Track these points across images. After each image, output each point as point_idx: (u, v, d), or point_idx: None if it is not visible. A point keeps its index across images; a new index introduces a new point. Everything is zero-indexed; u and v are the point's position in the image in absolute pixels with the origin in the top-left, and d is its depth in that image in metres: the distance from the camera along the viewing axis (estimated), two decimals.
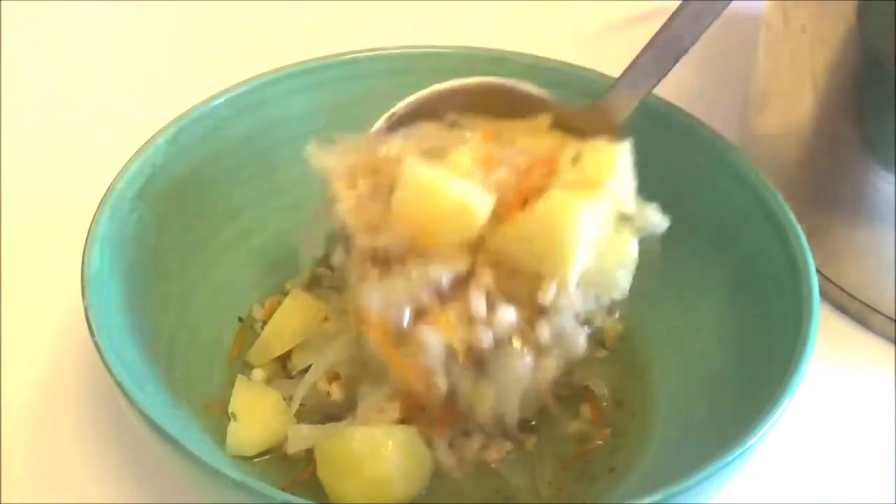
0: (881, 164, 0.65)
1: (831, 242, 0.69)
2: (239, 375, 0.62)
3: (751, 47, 0.76)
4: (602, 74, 0.68)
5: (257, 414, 0.60)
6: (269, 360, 0.63)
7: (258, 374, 0.62)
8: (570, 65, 0.69)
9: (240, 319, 0.65)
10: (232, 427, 0.59)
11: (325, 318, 0.63)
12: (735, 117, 0.78)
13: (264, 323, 0.64)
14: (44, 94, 0.84)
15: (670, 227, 0.67)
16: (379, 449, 0.56)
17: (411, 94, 0.63)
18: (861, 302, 0.70)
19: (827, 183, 0.68)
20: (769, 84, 0.74)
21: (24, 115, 0.81)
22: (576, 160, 0.57)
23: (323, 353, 0.61)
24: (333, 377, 0.61)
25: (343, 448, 0.57)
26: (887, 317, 0.69)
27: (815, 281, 0.58)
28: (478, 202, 0.55)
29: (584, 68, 0.69)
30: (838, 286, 0.70)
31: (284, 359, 0.63)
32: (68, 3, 0.90)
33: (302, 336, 0.62)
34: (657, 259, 0.59)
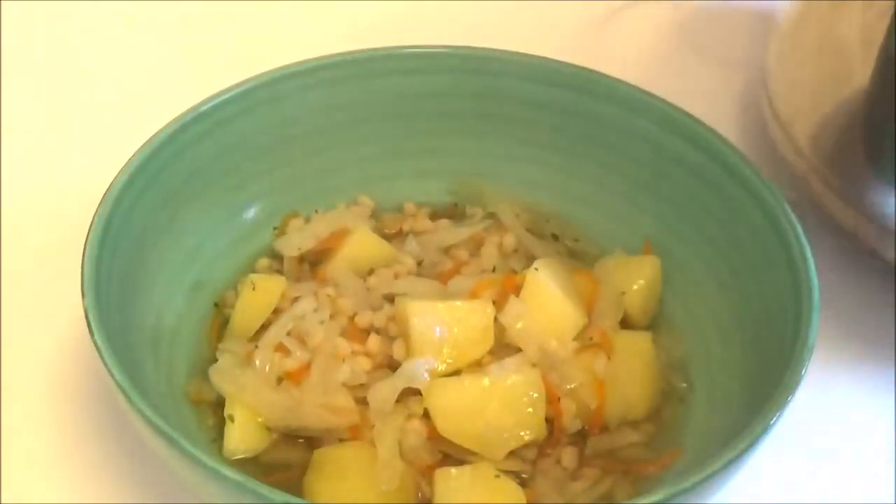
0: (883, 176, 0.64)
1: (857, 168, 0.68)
2: (232, 378, 0.61)
3: (758, 47, 0.76)
4: (600, 73, 0.68)
5: (254, 416, 0.60)
6: (243, 342, 0.63)
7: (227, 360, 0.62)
8: (569, 64, 0.69)
9: (215, 305, 0.65)
10: (229, 428, 0.59)
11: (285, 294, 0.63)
12: (735, 116, 0.78)
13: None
14: (44, 93, 0.84)
15: (671, 227, 0.67)
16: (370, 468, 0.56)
17: (409, 96, 0.64)
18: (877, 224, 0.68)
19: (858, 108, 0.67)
20: (782, 86, 0.73)
21: (24, 115, 0.81)
22: None
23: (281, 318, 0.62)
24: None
25: (337, 456, 0.57)
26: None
27: (815, 281, 0.58)
28: None
29: (584, 67, 0.68)
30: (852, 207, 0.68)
31: (257, 339, 0.62)
32: (68, 4, 0.90)
33: (266, 312, 0.63)
34: None
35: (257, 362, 0.60)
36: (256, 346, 0.61)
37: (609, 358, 0.61)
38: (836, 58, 0.68)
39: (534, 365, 0.60)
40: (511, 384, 0.59)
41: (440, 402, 0.58)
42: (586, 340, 0.62)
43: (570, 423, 0.60)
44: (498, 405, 0.58)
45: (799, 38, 0.72)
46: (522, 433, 0.58)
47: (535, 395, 0.59)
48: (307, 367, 0.60)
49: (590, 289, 0.64)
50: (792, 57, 0.73)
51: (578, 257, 0.68)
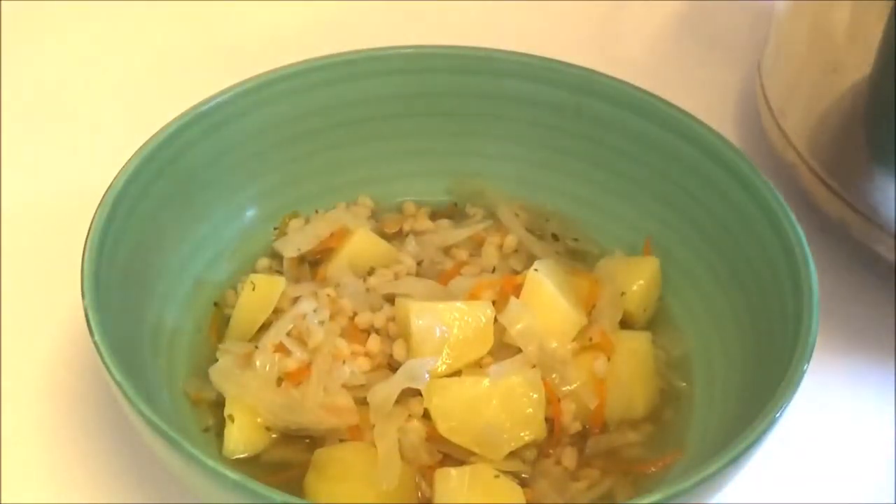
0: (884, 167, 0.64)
1: (848, 158, 0.68)
2: (232, 378, 0.61)
3: (759, 42, 0.76)
4: (600, 73, 0.68)
5: (254, 416, 0.60)
6: (244, 341, 0.63)
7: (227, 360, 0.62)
8: (570, 64, 0.69)
9: (215, 304, 0.65)
10: (229, 428, 0.59)
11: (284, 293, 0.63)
12: (741, 114, 0.78)
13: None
14: (44, 94, 0.84)
15: (671, 227, 0.67)
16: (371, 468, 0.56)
17: (409, 96, 0.63)
18: (868, 220, 0.68)
19: (852, 93, 0.67)
20: (776, 79, 0.73)
21: (24, 115, 0.81)
22: None
23: (282, 317, 0.61)
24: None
25: (337, 456, 0.57)
26: (890, 234, 0.68)
27: (814, 280, 0.58)
28: None
29: (584, 68, 0.68)
30: (848, 203, 0.68)
31: (257, 339, 0.62)
32: (68, 3, 0.90)
33: (266, 312, 0.63)
34: None
35: (257, 363, 0.60)
36: (256, 347, 0.61)
37: (609, 358, 0.61)
38: (827, 52, 0.67)
39: (534, 366, 0.60)
40: (511, 385, 0.59)
41: (440, 403, 0.58)
42: (586, 341, 0.62)
43: (570, 423, 0.60)
44: (498, 406, 0.58)
45: (792, 31, 0.72)
46: (522, 434, 0.58)
47: (535, 395, 0.59)
48: (307, 367, 0.60)
49: (589, 289, 0.64)
50: (785, 50, 0.73)
51: (578, 257, 0.68)
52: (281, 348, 0.60)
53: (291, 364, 0.60)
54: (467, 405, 0.58)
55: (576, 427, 0.60)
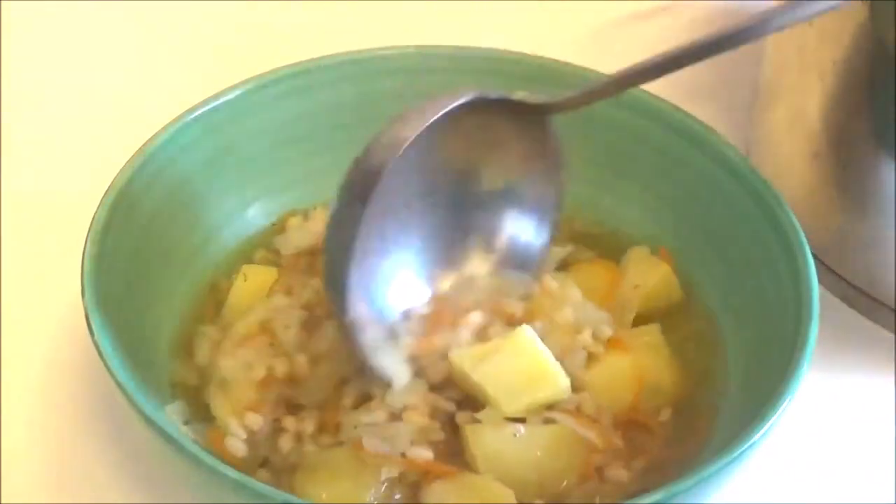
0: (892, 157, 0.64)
1: (839, 236, 0.69)
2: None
3: (758, 42, 0.76)
4: (602, 74, 0.68)
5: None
6: (219, 328, 0.62)
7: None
8: (569, 64, 0.69)
9: (215, 304, 0.65)
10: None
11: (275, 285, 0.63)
12: (742, 112, 0.78)
13: None
14: (44, 93, 0.84)
15: (671, 228, 0.67)
16: None
17: (410, 97, 0.63)
18: (867, 295, 0.69)
19: (834, 177, 0.68)
20: (776, 79, 0.74)
21: (24, 114, 0.81)
22: None
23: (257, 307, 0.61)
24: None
25: (327, 458, 0.57)
26: (890, 308, 0.69)
27: (814, 281, 0.58)
28: None
29: (584, 68, 0.68)
30: (845, 280, 0.70)
31: None
32: (68, 3, 0.90)
33: (256, 302, 0.63)
34: None
35: (224, 353, 0.60)
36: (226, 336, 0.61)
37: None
38: (805, 134, 0.69)
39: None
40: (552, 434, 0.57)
41: (483, 450, 0.56)
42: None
43: (617, 472, 0.58)
44: (540, 455, 0.56)
45: (772, 113, 0.73)
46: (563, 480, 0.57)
47: (576, 447, 0.57)
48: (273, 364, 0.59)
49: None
50: (769, 130, 0.74)
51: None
52: (249, 341, 0.60)
53: (256, 357, 0.59)
54: (511, 451, 0.56)
55: (621, 476, 0.57)
